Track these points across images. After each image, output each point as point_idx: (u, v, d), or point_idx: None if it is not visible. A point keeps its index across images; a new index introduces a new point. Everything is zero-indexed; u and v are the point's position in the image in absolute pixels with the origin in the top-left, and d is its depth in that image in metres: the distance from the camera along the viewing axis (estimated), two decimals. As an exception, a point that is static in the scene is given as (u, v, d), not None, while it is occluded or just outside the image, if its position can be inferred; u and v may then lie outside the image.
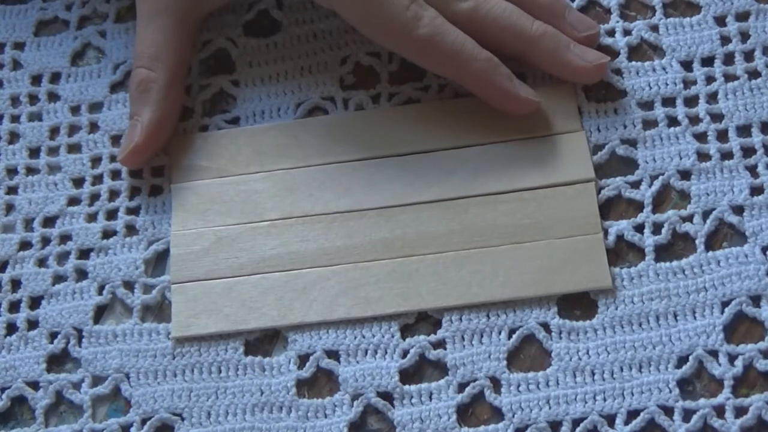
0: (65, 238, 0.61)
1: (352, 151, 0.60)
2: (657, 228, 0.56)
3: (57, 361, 0.58)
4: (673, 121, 0.59)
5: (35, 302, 0.59)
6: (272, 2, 0.66)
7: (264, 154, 0.61)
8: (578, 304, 0.55)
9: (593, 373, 0.53)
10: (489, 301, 0.55)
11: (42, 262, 0.60)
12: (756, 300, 0.53)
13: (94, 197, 0.62)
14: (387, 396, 0.54)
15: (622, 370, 0.53)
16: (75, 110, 0.65)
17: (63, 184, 0.62)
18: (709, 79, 0.59)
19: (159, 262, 0.60)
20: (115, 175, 0.62)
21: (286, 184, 0.59)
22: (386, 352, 0.55)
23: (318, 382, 0.55)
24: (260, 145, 0.61)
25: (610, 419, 0.52)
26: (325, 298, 0.56)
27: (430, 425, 0.53)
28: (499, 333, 0.54)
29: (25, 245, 0.61)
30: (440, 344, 0.55)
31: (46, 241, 0.61)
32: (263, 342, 0.56)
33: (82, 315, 0.58)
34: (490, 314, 0.55)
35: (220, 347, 0.56)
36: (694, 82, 0.59)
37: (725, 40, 0.60)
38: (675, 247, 0.56)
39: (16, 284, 0.60)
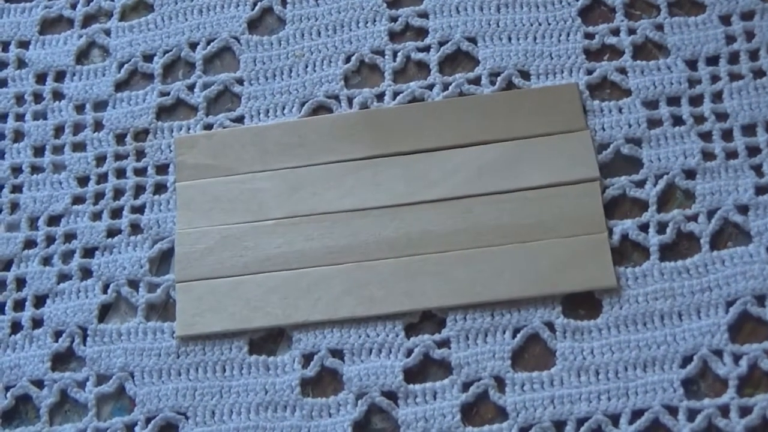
0: (70, 236, 0.61)
1: (356, 150, 0.60)
2: (662, 227, 0.56)
3: (62, 360, 0.58)
4: (678, 121, 0.59)
5: (40, 301, 0.59)
6: None
7: (269, 153, 0.61)
8: (583, 304, 0.55)
9: (597, 373, 0.53)
10: (493, 300, 0.55)
11: (47, 261, 0.61)
12: (761, 299, 0.53)
13: (99, 196, 0.62)
14: (391, 395, 0.54)
15: (626, 369, 0.53)
16: (80, 109, 0.65)
17: (68, 182, 0.62)
18: (714, 78, 0.59)
19: (164, 260, 0.60)
20: (120, 173, 0.62)
21: (290, 183, 0.59)
22: (391, 352, 0.55)
23: (322, 381, 0.55)
24: (265, 144, 0.61)
25: (615, 419, 0.52)
26: (330, 297, 0.56)
27: (435, 424, 0.53)
28: (504, 332, 0.54)
29: (29, 244, 0.61)
30: (445, 343, 0.55)
31: (50, 239, 0.61)
32: (268, 341, 0.56)
33: (86, 314, 0.58)
34: (495, 314, 0.55)
35: (224, 346, 0.56)
36: (699, 81, 0.59)
37: (730, 39, 0.60)
38: (680, 246, 0.56)
39: (20, 283, 0.60)
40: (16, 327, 0.59)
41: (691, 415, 0.51)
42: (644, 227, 0.56)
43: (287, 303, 0.56)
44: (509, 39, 0.62)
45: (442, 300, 0.55)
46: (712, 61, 0.60)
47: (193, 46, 0.65)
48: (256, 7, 0.66)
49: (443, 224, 0.57)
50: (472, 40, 0.63)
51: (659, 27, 0.61)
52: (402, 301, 0.55)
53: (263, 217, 0.59)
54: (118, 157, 0.63)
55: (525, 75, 0.61)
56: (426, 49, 0.63)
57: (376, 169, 0.59)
